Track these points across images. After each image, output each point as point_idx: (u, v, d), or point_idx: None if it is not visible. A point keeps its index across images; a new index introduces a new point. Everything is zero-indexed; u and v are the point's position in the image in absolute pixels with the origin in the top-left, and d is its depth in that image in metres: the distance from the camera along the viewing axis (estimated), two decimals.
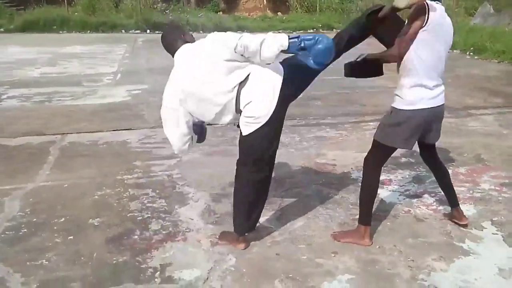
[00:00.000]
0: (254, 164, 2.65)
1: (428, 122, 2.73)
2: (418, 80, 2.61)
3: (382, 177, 3.85)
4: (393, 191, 3.65)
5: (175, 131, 2.64)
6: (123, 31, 15.58)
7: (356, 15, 18.42)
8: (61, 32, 15.17)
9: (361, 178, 3.78)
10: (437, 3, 2.58)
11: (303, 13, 19.74)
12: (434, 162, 3.12)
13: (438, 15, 2.54)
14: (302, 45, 2.41)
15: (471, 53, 10.84)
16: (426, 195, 3.55)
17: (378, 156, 2.85)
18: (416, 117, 2.66)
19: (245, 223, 2.77)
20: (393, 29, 2.67)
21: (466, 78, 8.16)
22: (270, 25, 17.60)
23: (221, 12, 20.47)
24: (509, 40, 10.72)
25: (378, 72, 2.92)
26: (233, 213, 2.83)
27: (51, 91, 6.75)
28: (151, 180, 3.75)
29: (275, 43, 2.37)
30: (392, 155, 3.71)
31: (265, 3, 21.21)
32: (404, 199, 3.51)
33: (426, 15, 2.49)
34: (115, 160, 4.17)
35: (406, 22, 2.58)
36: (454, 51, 11.37)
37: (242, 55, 2.41)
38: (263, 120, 2.51)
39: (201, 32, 16.15)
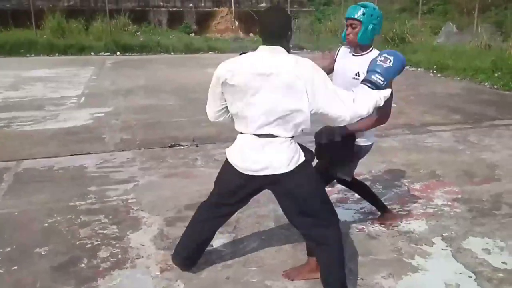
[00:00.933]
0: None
1: None
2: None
3: (339, 196, 3.94)
4: (348, 209, 3.68)
5: None
6: (92, 53, 15.46)
7: (325, 36, 18.91)
8: (28, 55, 14.93)
9: None
10: (372, 49, 2.73)
11: None
12: (356, 183, 3.30)
13: None
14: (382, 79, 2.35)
15: (434, 71, 11.17)
16: (379, 213, 3.58)
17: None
18: (367, 150, 2.93)
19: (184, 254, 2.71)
20: None
21: (428, 95, 8.39)
22: (241, 46, 17.75)
23: (193, 34, 20.61)
24: (470, 57, 11.13)
25: None
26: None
27: (11, 116, 6.60)
28: (104, 205, 3.67)
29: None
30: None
31: (237, 25, 21.46)
32: (359, 216, 3.54)
33: None
34: (69, 185, 4.08)
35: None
36: (419, 69, 11.73)
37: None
38: None
39: (171, 53, 16.23)
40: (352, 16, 2.63)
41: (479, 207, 3.71)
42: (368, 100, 2.29)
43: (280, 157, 2.23)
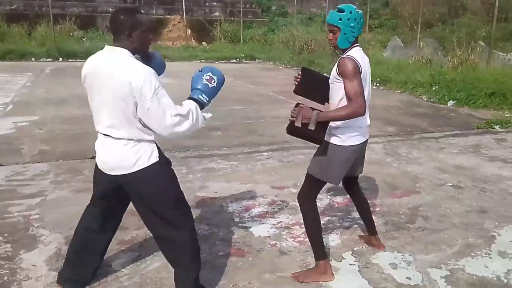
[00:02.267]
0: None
1: (356, 157, 2.84)
2: (354, 120, 2.65)
3: (259, 209, 3.85)
4: (265, 223, 3.59)
5: None
6: (33, 59, 14.84)
7: (277, 46, 19.05)
8: None
9: (237, 211, 3.73)
10: (354, 46, 2.67)
11: (227, 43, 20.03)
12: (355, 192, 3.22)
13: (363, 60, 2.65)
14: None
15: (377, 84, 11.44)
16: (297, 227, 3.51)
17: (312, 190, 2.85)
18: (348, 153, 2.75)
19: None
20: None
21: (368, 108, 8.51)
22: (192, 54, 17.63)
23: None
24: (411, 71, 11.47)
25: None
26: None
27: None
28: (3, 222, 3.39)
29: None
30: (275, 186, 3.62)
31: (189, 33, 21.27)
32: (274, 231, 3.45)
33: (359, 67, 2.57)
34: None
35: (344, 77, 2.55)
36: None
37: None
38: None
39: None
40: (330, 23, 2.67)
41: (395, 220, 3.72)
42: (190, 120, 2.28)
43: (124, 158, 2.25)
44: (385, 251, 3.18)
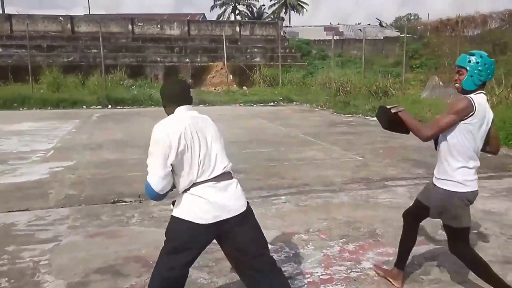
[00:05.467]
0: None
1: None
2: (466, 163, 2.82)
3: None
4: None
5: None
6: (84, 107, 15.81)
7: (315, 89, 19.19)
8: (21, 109, 15.31)
9: None
10: (479, 92, 2.79)
11: (266, 87, 20.47)
12: (414, 226, 3.34)
13: (482, 107, 2.74)
14: None
15: None
16: (300, 277, 3.39)
17: (458, 239, 3.00)
18: (468, 197, 2.91)
19: None
20: None
21: (398, 149, 8.26)
22: (232, 98, 18.12)
23: None
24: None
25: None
26: None
27: None
28: (13, 267, 3.52)
29: None
30: (285, 232, 3.58)
31: (230, 78, 21.95)
32: None
33: (474, 109, 2.70)
34: None
35: (447, 109, 2.77)
36: None
37: None
38: None
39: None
40: (459, 64, 2.81)
41: (408, 271, 3.49)
42: None
43: (241, 195, 2.52)
44: None
